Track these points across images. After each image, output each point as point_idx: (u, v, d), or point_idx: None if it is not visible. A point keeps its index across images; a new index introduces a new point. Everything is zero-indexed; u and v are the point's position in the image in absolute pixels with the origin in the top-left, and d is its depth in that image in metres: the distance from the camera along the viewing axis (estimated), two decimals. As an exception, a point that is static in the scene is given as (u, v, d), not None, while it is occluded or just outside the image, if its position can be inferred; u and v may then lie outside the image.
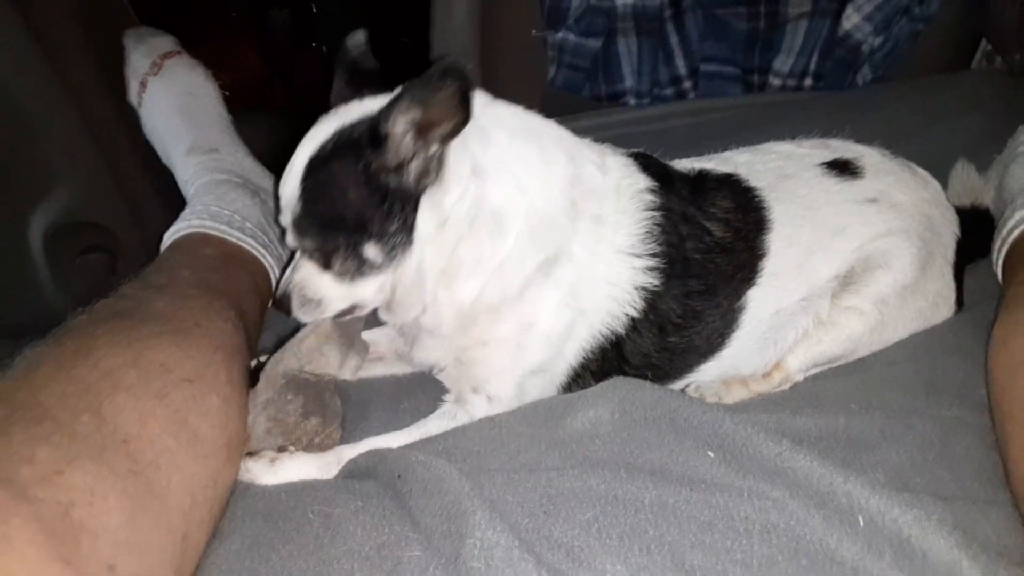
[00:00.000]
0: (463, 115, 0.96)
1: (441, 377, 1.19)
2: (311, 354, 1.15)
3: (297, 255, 1.12)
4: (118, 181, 1.74)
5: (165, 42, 1.72)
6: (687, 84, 1.99)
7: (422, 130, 0.97)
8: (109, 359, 0.97)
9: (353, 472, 1.07)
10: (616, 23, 1.92)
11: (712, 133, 1.71)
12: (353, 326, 1.19)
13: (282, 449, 1.10)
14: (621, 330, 1.13)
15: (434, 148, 1.00)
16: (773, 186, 1.20)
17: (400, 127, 0.97)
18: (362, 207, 1.02)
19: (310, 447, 1.15)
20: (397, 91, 0.97)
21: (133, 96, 1.68)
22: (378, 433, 1.14)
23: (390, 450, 1.06)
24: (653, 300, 1.12)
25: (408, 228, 1.04)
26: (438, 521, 0.90)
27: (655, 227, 1.13)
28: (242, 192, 1.51)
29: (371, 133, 0.99)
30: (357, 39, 1.17)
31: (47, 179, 1.66)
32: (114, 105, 1.71)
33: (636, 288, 1.12)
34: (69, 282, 1.72)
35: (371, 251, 1.04)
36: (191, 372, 1.02)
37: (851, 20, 1.87)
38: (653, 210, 1.14)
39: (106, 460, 0.86)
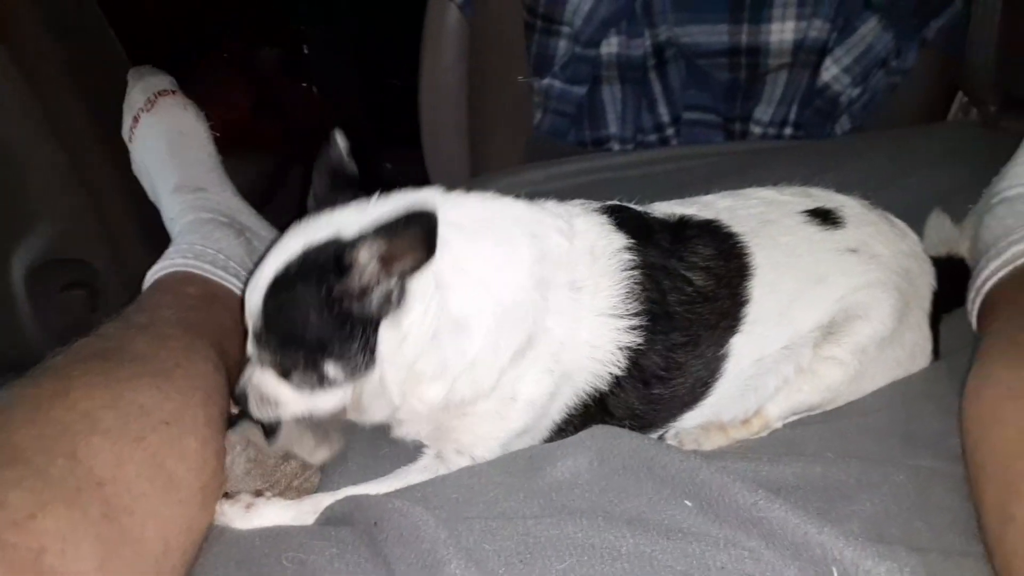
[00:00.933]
0: (426, 252, 0.97)
1: (422, 439, 1.17)
2: (287, 432, 1.13)
3: (252, 351, 1.11)
4: (101, 218, 1.75)
5: (162, 80, 1.74)
6: (670, 131, 2.02)
7: (386, 262, 0.98)
8: (87, 400, 0.96)
9: (329, 519, 1.06)
10: (601, 71, 1.96)
11: (694, 179, 1.72)
12: (329, 421, 1.16)
13: (259, 493, 1.09)
14: (605, 387, 1.13)
15: (394, 281, 1.00)
16: (755, 231, 1.21)
17: (364, 257, 0.98)
18: (323, 329, 1.01)
19: (288, 490, 1.15)
20: (368, 210, 1.01)
21: (126, 131, 1.70)
22: (357, 478, 1.13)
23: (367, 496, 1.05)
24: (637, 357, 1.12)
25: (370, 349, 1.03)
26: (414, 569, 0.90)
27: (635, 286, 1.12)
28: (227, 231, 1.51)
29: (336, 260, 0.99)
30: (337, 141, 1.16)
31: (30, 215, 1.66)
32: (98, 142, 1.72)
33: (620, 348, 1.11)
34: (49, 318, 1.71)
35: (331, 369, 1.04)
36: (170, 414, 1.02)
37: (830, 72, 1.91)
38: (632, 269, 1.13)
39: (80, 505, 0.85)
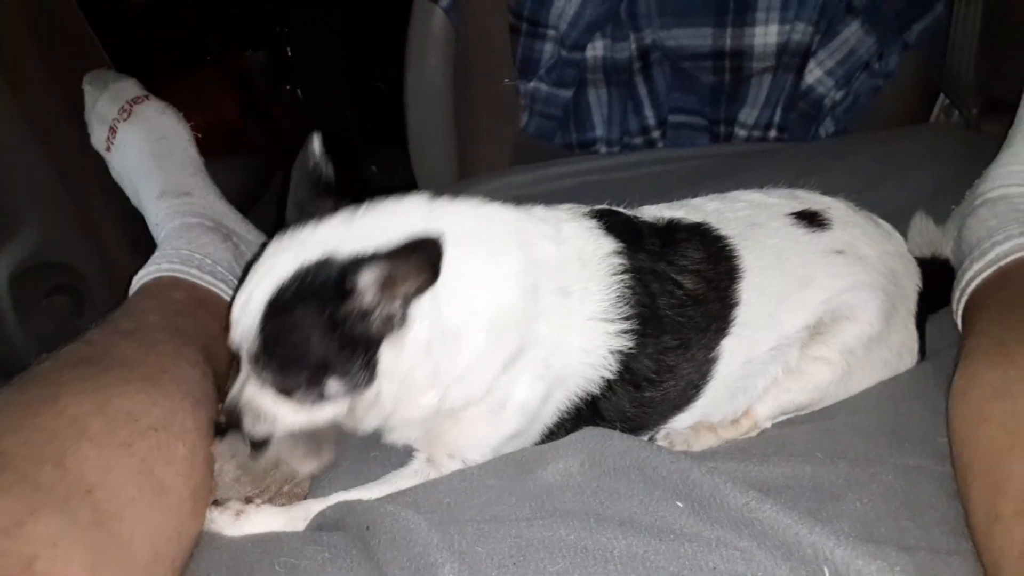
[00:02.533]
0: (431, 277, 0.96)
1: (412, 443, 1.16)
2: (277, 443, 1.11)
3: (244, 368, 1.07)
4: (86, 222, 1.73)
5: (130, 86, 1.71)
6: (656, 133, 2.03)
7: (388, 286, 0.97)
8: (75, 407, 0.95)
9: (321, 524, 1.06)
10: (587, 74, 1.96)
11: (680, 181, 1.74)
12: (322, 433, 1.14)
13: (249, 500, 1.08)
14: (596, 391, 1.13)
15: (397, 304, 0.99)
16: (743, 234, 1.21)
17: (365, 282, 0.97)
18: (325, 351, 1.00)
19: (278, 496, 1.14)
20: (357, 223, 1.01)
21: (99, 142, 1.67)
22: (347, 482, 1.13)
23: (359, 502, 1.05)
24: (628, 361, 1.12)
25: (371, 367, 1.02)
26: (407, 573, 0.90)
27: (626, 290, 1.12)
28: (213, 236, 1.50)
29: (336, 284, 0.97)
30: (314, 146, 1.14)
31: (14, 219, 1.64)
32: (82, 146, 1.71)
33: (611, 352, 1.11)
34: (34, 323, 1.69)
35: (332, 387, 1.02)
36: (158, 420, 1.01)
37: (813, 75, 1.93)
38: (622, 273, 1.13)
39: (70, 511, 0.84)
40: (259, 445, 1.09)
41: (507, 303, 1.08)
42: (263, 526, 1.06)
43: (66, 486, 0.87)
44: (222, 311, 1.36)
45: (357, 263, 0.96)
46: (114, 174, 1.68)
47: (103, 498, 0.89)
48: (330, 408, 1.05)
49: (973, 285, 1.26)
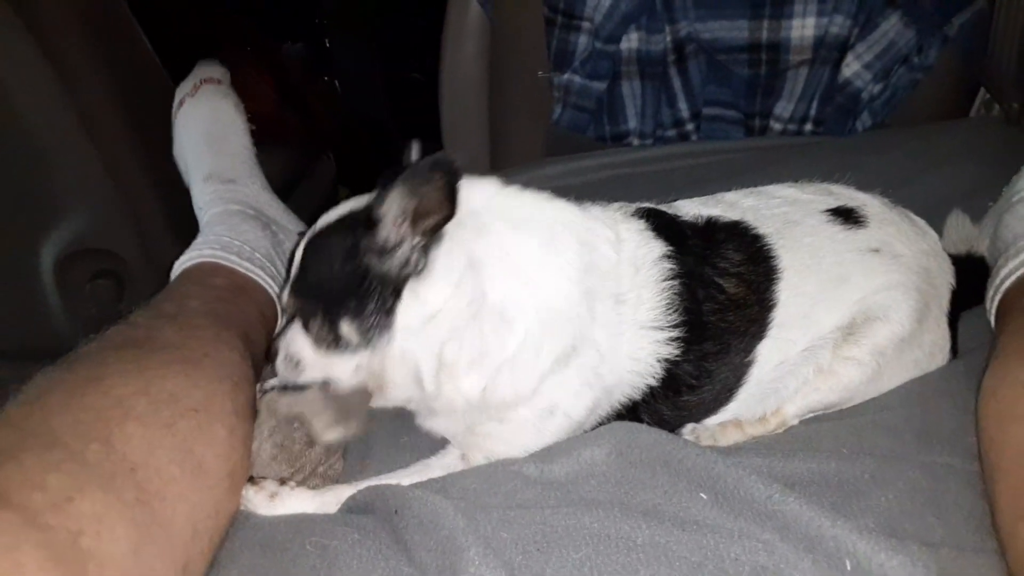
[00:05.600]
0: (448, 209, 0.98)
1: (449, 437, 1.17)
2: (310, 399, 1.14)
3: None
4: (129, 209, 1.79)
5: (213, 70, 1.78)
6: (689, 126, 2.02)
7: (414, 219, 0.99)
8: (120, 388, 0.98)
9: (351, 507, 1.08)
10: (621, 67, 1.96)
11: (713, 175, 1.73)
12: (353, 401, 1.16)
13: (283, 481, 1.11)
14: (639, 397, 1.13)
15: (417, 239, 1.01)
16: (780, 232, 1.20)
17: (392, 213, 0.99)
18: (344, 282, 1.04)
19: (313, 475, 1.17)
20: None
21: (173, 113, 1.73)
22: (378, 467, 1.16)
23: (388, 486, 1.07)
24: (672, 368, 1.12)
25: (385, 313, 1.04)
26: (433, 556, 0.92)
27: (675, 296, 1.11)
28: (254, 224, 1.54)
29: (366, 215, 1.02)
30: (413, 149, 1.21)
31: (60, 206, 1.70)
32: (127, 135, 1.76)
33: (659, 360, 1.11)
34: (78, 307, 1.75)
35: (346, 328, 1.05)
36: (198, 402, 1.04)
37: (851, 68, 1.90)
38: (672, 279, 1.12)
39: (115, 489, 0.87)
40: (291, 390, 1.14)
41: (563, 302, 1.07)
42: (296, 508, 1.08)
43: (112, 464, 0.89)
44: (260, 297, 1.40)
45: (383, 194, 1.00)
46: (174, 149, 1.72)
47: (146, 477, 0.91)
48: (347, 359, 1.07)
49: (1008, 283, 1.24)
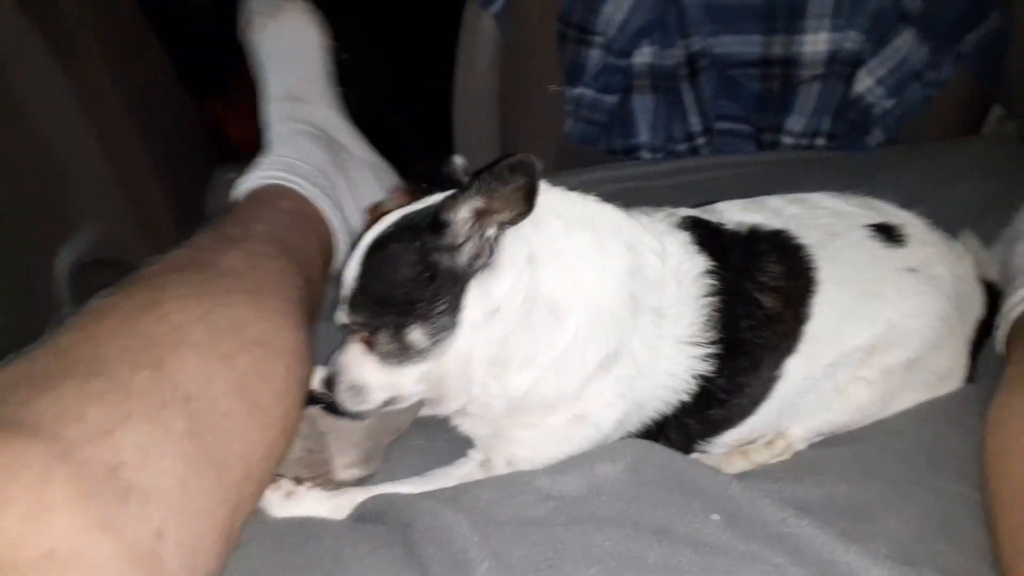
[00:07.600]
0: (526, 207, 0.96)
1: (474, 438, 1.16)
2: (342, 439, 1.12)
3: (347, 338, 1.10)
4: (143, 221, 1.79)
5: None
6: (701, 140, 2.02)
7: (481, 216, 0.98)
8: (177, 313, 0.92)
9: (363, 515, 1.08)
10: (633, 80, 1.97)
11: (724, 188, 1.72)
12: (390, 429, 1.14)
13: (300, 481, 1.10)
14: (669, 412, 1.12)
15: (490, 232, 0.99)
16: (823, 244, 1.18)
17: (462, 214, 0.98)
18: (412, 287, 1.00)
19: (330, 482, 1.16)
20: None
21: (244, 25, 1.71)
22: (390, 469, 1.15)
23: (399, 496, 1.07)
24: (705, 383, 1.11)
25: (454, 310, 1.02)
26: (447, 569, 0.92)
27: (714, 313, 1.11)
28: (317, 144, 1.49)
29: (433, 217, 0.99)
30: (455, 162, 1.18)
31: (74, 217, 1.70)
32: (142, 146, 1.77)
33: (694, 376, 1.11)
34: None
35: (416, 334, 1.02)
36: (261, 335, 0.98)
37: (863, 83, 1.90)
38: (712, 295, 1.11)
39: (162, 420, 0.82)
40: (333, 414, 1.11)
41: (610, 302, 1.07)
42: (310, 510, 1.07)
43: (161, 393, 0.83)
44: (321, 229, 1.35)
45: (454, 197, 0.97)
46: (249, 62, 1.68)
47: (199, 409, 0.85)
48: (414, 369, 1.05)
49: (1015, 312, 1.22)
